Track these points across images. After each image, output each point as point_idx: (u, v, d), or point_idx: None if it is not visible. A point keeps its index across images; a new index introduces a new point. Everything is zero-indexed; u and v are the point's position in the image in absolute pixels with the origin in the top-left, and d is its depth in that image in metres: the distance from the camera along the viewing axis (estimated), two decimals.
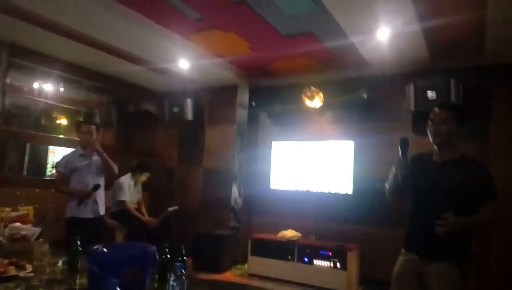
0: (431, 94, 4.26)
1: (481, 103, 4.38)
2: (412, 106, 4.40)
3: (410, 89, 4.39)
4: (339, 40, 3.98)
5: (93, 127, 3.85)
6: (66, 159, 3.83)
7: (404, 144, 2.15)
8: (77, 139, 3.95)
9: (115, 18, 3.76)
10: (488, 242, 4.12)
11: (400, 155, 2.16)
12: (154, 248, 1.39)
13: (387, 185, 2.30)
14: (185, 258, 1.82)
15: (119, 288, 1.08)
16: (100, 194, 3.84)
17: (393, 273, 2.23)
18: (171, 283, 1.24)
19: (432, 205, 2.06)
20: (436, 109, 2.19)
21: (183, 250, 1.83)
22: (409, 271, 2.15)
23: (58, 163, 3.93)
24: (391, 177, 2.24)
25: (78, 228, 3.35)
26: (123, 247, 1.50)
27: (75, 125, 4.01)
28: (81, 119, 5.72)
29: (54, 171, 5.57)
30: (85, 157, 3.80)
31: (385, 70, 4.77)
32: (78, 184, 3.72)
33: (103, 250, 1.38)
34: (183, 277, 1.25)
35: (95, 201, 3.75)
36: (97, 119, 6.09)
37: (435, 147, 2.20)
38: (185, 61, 4.81)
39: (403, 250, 2.25)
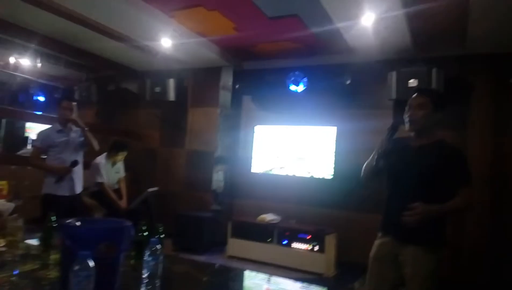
0: (413, 82, 4.30)
1: (461, 93, 4.46)
2: (393, 94, 4.44)
3: (393, 77, 4.43)
4: (324, 24, 3.96)
5: (74, 103, 3.76)
6: (43, 134, 3.73)
7: (394, 128, 2.18)
8: (55, 116, 3.86)
9: None
10: (462, 225, 4.26)
11: (385, 136, 2.18)
12: (129, 223, 1.37)
13: (364, 165, 2.33)
14: (162, 236, 1.82)
15: (92, 261, 1.06)
16: (78, 172, 3.77)
17: (370, 256, 2.27)
18: (145, 258, 1.24)
19: (407, 188, 2.09)
20: (414, 94, 2.21)
21: (161, 229, 1.83)
22: (385, 254, 2.19)
23: (35, 138, 3.82)
24: (370, 157, 2.28)
25: (54, 205, 3.29)
26: (97, 222, 1.48)
27: (57, 101, 3.89)
28: (58, 95, 5.58)
29: (29, 147, 5.44)
30: (63, 134, 3.70)
31: (369, 57, 4.79)
32: (54, 160, 3.64)
33: (77, 224, 1.35)
34: (158, 253, 1.24)
35: (71, 179, 3.67)
36: (76, 97, 5.95)
37: (413, 133, 2.22)
38: (167, 39, 4.71)
39: (379, 233, 2.29)
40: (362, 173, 2.34)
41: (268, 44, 4.83)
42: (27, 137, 5.79)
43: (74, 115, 3.70)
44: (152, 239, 1.28)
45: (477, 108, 4.45)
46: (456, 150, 2.16)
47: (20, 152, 5.37)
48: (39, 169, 3.75)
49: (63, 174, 3.60)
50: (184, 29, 4.48)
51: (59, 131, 3.70)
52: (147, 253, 1.24)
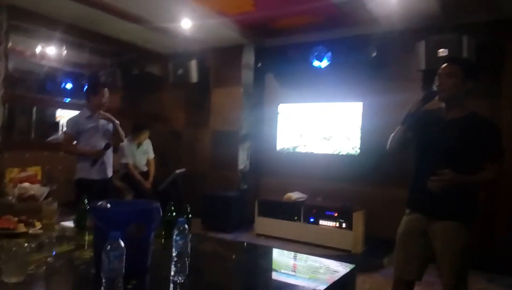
0: (442, 51, 4.11)
1: (494, 60, 4.24)
2: (422, 65, 4.28)
3: (421, 46, 4.25)
4: None
5: (107, 89, 3.83)
6: (73, 120, 3.78)
7: (430, 93, 2.14)
8: (83, 102, 3.94)
9: None
10: (493, 196, 4.12)
11: (420, 99, 2.14)
12: (157, 204, 1.40)
13: (391, 136, 2.27)
14: (190, 216, 1.86)
15: (123, 241, 1.08)
16: (108, 156, 3.86)
17: (398, 232, 2.23)
18: (174, 237, 1.26)
19: (436, 162, 2.02)
20: (443, 64, 2.13)
21: (188, 209, 1.86)
22: (414, 229, 2.15)
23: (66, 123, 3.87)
24: (397, 129, 2.23)
25: (87, 189, 3.39)
26: (127, 204, 1.52)
27: (90, 88, 3.95)
28: (85, 82, 5.69)
29: (60, 133, 5.60)
30: (92, 120, 3.77)
31: (395, 27, 4.59)
32: (85, 146, 3.73)
33: (107, 206, 1.39)
34: (186, 232, 1.26)
35: (103, 163, 3.76)
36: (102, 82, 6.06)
37: (443, 103, 2.14)
38: (187, 20, 4.68)
39: (407, 210, 2.24)
40: (388, 145, 2.28)
41: (288, 19, 4.71)
42: (57, 123, 5.95)
43: (107, 101, 3.78)
44: (180, 219, 1.29)
45: (511, 75, 4.21)
46: (489, 123, 2.06)
47: (51, 138, 5.54)
48: (72, 154, 3.82)
49: (97, 156, 3.69)
50: (203, 9, 4.43)
51: (88, 118, 3.76)
52: (175, 232, 1.26)
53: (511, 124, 4.06)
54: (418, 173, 2.16)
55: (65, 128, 3.78)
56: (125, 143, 4.93)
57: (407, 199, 2.25)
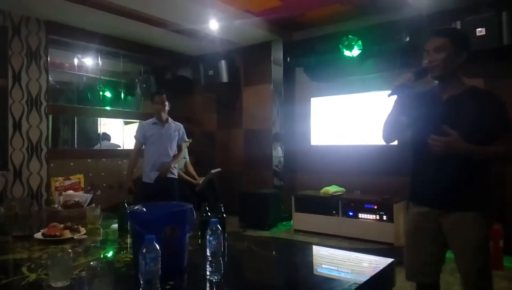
0: (480, 31, 3.90)
1: None
2: None
3: (457, 27, 4.04)
4: None
5: (164, 96, 4.05)
6: (141, 125, 4.06)
7: (421, 71, 1.93)
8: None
9: None
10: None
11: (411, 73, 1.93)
12: (190, 206, 1.43)
13: (384, 121, 2.10)
14: (224, 215, 1.88)
15: (158, 243, 1.11)
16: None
17: (407, 230, 2.03)
18: (207, 237, 1.27)
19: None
20: (430, 37, 1.93)
21: (222, 208, 1.88)
22: (424, 225, 1.93)
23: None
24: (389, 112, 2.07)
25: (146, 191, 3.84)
26: (161, 206, 1.55)
27: (150, 96, 4.23)
28: (121, 90, 5.90)
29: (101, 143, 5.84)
30: (157, 126, 4.00)
31: (428, 9, 4.39)
32: (148, 151, 3.97)
33: (143, 210, 1.43)
34: (218, 232, 1.27)
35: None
36: (138, 89, 6.23)
37: (436, 82, 1.95)
38: (215, 22, 4.72)
39: (411, 204, 2.03)
40: (382, 133, 2.11)
41: (315, 10, 4.64)
42: (104, 133, 6.15)
43: (166, 108, 4.02)
44: (212, 220, 1.31)
45: None
46: (492, 97, 1.85)
47: (107, 145, 5.89)
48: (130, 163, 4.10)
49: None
50: (229, 8, 4.46)
51: (154, 124, 4.00)
52: (209, 233, 1.27)
53: None
54: (419, 162, 1.97)
55: (135, 133, 4.06)
56: None
57: (410, 193, 2.04)
